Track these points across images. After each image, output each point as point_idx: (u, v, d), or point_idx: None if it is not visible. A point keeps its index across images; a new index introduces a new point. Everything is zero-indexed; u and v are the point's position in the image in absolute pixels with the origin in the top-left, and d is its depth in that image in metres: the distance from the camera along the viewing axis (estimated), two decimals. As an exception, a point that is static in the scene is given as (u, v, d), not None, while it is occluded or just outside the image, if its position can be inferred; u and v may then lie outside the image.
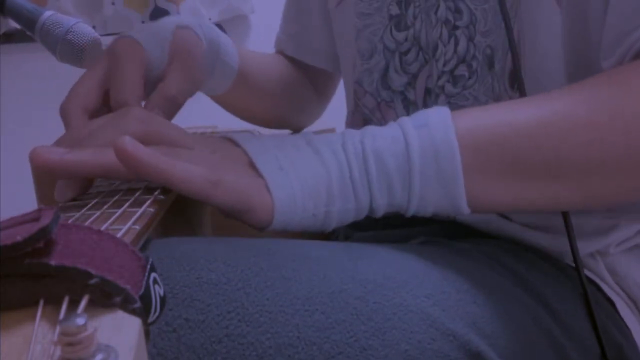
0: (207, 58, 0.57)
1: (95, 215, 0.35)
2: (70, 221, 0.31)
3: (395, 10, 0.60)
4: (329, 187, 0.40)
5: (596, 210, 0.53)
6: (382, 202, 0.42)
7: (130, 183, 0.42)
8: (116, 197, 0.39)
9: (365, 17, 0.63)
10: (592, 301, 0.49)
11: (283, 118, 0.81)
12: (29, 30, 0.76)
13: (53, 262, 0.22)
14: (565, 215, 0.47)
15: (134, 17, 1.82)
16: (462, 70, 0.55)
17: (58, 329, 0.19)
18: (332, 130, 0.94)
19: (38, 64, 1.47)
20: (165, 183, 0.37)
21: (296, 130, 0.84)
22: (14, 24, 1.63)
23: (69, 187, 0.41)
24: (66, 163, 0.37)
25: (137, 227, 0.33)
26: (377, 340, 0.34)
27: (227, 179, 0.38)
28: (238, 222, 0.39)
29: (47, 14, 0.74)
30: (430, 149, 0.41)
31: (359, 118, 0.66)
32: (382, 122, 0.64)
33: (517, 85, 0.50)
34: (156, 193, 0.40)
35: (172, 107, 0.51)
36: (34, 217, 0.25)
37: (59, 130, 0.50)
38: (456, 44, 0.55)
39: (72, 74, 0.55)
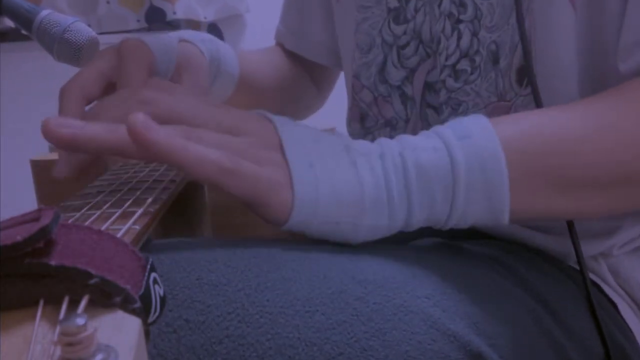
0: (208, 73, 0.57)
1: (95, 215, 0.35)
2: (70, 221, 0.31)
3: (394, 3, 0.60)
4: (360, 202, 0.38)
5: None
6: (422, 217, 0.40)
7: (130, 183, 0.42)
8: (116, 197, 0.39)
9: (364, 10, 0.63)
10: (594, 303, 0.48)
11: (280, 113, 0.81)
12: (25, 30, 0.75)
13: (53, 262, 0.22)
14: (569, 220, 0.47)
15: (129, 16, 1.82)
16: (464, 64, 0.55)
17: (58, 329, 0.19)
18: (332, 130, 0.94)
19: (36, 63, 1.47)
20: (176, 166, 0.35)
21: None
22: (9, 23, 1.63)
23: (70, 164, 0.40)
24: (77, 138, 0.36)
25: (137, 227, 0.33)
26: (377, 341, 0.34)
27: (245, 168, 0.36)
28: (238, 222, 0.38)
29: (44, 13, 0.74)
30: (476, 161, 0.40)
31: (356, 113, 0.66)
32: (379, 117, 0.64)
33: (526, 81, 0.50)
34: (157, 192, 0.39)
35: None
36: (34, 217, 0.25)
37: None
38: (459, 38, 0.55)
39: (70, 73, 0.55)
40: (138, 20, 1.82)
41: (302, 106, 0.84)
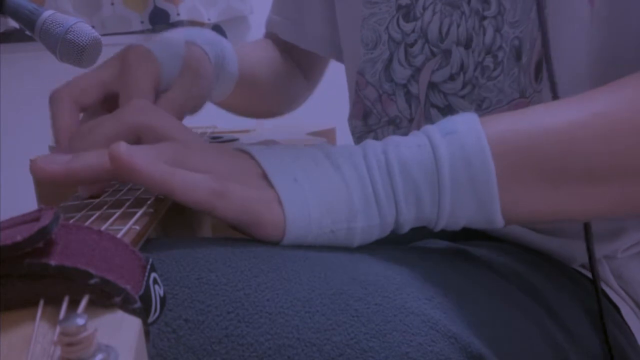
0: (212, 75, 0.57)
1: (95, 216, 0.35)
2: (70, 221, 0.31)
3: (405, 0, 0.60)
4: (350, 203, 0.38)
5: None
6: (409, 215, 0.40)
7: (130, 183, 0.42)
8: (116, 197, 0.39)
9: (371, 5, 0.62)
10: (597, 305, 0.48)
11: (274, 108, 0.82)
12: (28, 30, 0.76)
13: (53, 262, 0.22)
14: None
15: (132, 17, 1.82)
16: (487, 61, 0.54)
17: (58, 329, 0.19)
18: (332, 131, 0.94)
19: (37, 64, 1.47)
20: (164, 193, 0.35)
21: (285, 113, 0.85)
22: (13, 24, 1.63)
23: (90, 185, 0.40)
24: (71, 172, 0.36)
25: (137, 227, 0.33)
26: (377, 342, 0.34)
27: (233, 189, 0.36)
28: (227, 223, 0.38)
29: (47, 13, 0.74)
30: (460, 156, 0.39)
31: (359, 110, 0.66)
32: (383, 114, 0.63)
33: (540, 76, 0.49)
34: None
35: (175, 116, 0.51)
36: (34, 217, 0.25)
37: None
38: (484, 34, 0.54)
39: (72, 74, 0.55)
40: (142, 22, 1.82)
41: (292, 98, 0.84)
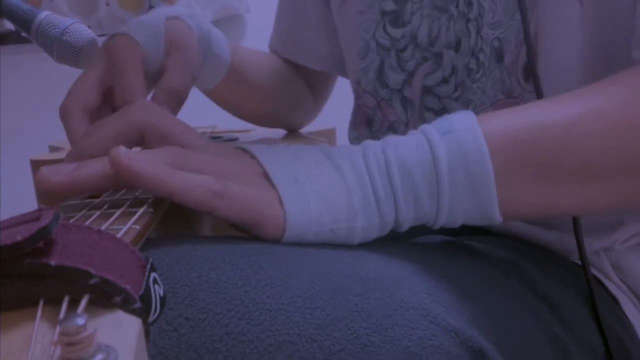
0: (199, 49, 0.56)
1: (95, 215, 0.35)
2: (70, 221, 0.31)
3: (390, 5, 0.60)
4: (349, 203, 0.39)
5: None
6: (409, 214, 0.40)
7: None
8: (116, 197, 0.39)
9: (360, 14, 0.62)
10: (596, 298, 0.48)
11: (277, 115, 0.80)
12: (24, 31, 0.75)
13: (53, 262, 0.22)
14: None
15: (128, 17, 1.82)
16: (472, 63, 0.54)
17: (58, 329, 0.19)
18: (332, 131, 0.94)
19: (36, 64, 1.47)
20: (164, 195, 0.36)
21: (291, 129, 0.84)
22: (9, 25, 1.63)
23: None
24: (75, 182, 0.36)
25: (137, 227, 0.33)
26: (378, 337, 0.34)
27: (234, 189, 0.36)
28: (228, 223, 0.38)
29: (43, 14, 0.74)
30: (458, 155, 0.39)
31: (362, 117, 0.66)
32: (384, 121, 0.64)
33: (532, 78, 0.50)
34: None
35: (177, 102, 0.51)
36: (34, 217, 0.25)
37: (59, 130, 0.50)
38: (469, 36, 0.54)
39: (70, 74, 0.55)
40: (137, 21, 1.82)
41: (297, 111, 0.83)
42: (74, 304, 0.22)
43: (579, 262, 0.54)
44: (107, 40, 0.51)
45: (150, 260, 0.26)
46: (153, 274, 0.26)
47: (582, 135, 0.40)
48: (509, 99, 0.53)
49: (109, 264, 0.24)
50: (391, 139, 0.41)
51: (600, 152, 0.40)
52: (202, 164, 0.38)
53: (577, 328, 0.47)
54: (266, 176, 0.39)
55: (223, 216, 0.37)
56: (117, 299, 0.22)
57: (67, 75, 0.50)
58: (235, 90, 0.70)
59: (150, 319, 0.24)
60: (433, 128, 0.41)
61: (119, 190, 0.41)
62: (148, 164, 0.34)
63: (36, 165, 0.72)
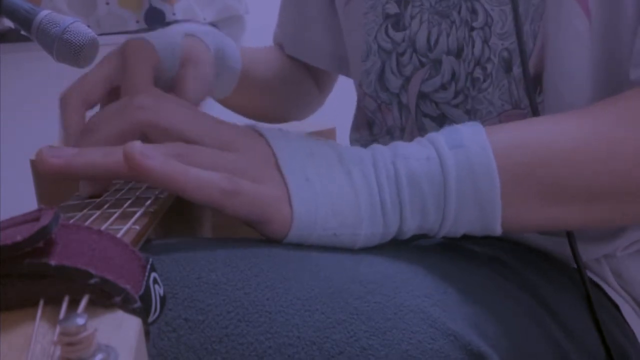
0: (214, 66, 0.57)
1: (95, 215, 0.35)
2: (70, 221, 0.31)
3: (393, 8, 0.60)
4: (356, 210, 0.39)
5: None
6: (413, 225, 0.40)
7: (130, 183, 0.42)
8: (116, 197, 0.39)
9: (363, 16, 0.62)
10: (596, 304, 0.48)
11: (282, 112, 0.81)
12: (25, 30, 0.75)
13: (53, 262, 0.22)
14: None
15: (128, 16, 1.82)
16: (477, 73, 0.54)
17: (58, 329, 0.19)
18: (332, 131, 0.94)
19: (36, 63, 1.47)
20: (176, 192, 0.35)
21: (295, 120, 0.84)
22: (8, 23, 1.63)
23: (91, 183, 0.40)
24: (73, 166, 0.36)
25: (137, 227, 0.33)
26: (377, 340, 0.34)
27: (245, 188, 0.36)
28: (238, 222, 0.38)
29: (43, 13, 0.74)
30: (467, 171, 0.40)
31: (363, 120, 0.66)
32: (383, 124, 0.63)
33: (539, 89, 0.49)
34: (157, 192, 0.39)
35: None
36: (34, 217, 0.25)
37: (59, 130, 0.50)
38: (473, 45, 0.54)
39: (71, 73, 0.55)
40: (137, 21, 1.82)
41: (302, 104, 0.83)
42: (74, 304, 0.22)
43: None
44: (124, 42, 0.51)
45: (150, 260, 0.26)
46: (153, 274, 0.26)
47: (590, 159, 0.41)
48: (516, 109, 0.53)
49: (109, 264, 0.24)
50: (401, 149, 0.41)
51: (604, 176, 0.41)
52: (214, 159, 0.37)
53: (578, 334, 0.47)
54: (277, 166, 0.39)
55: (231, 214, 0.37)
56: (117, 299, 0.22)
57: (68, 74, 0.50)
58: (244, 94, 0.70)
59: (150, 319, 0.24)
60: (443, 139, 0.41)
61: (119, 190, 0.41)
62: (161, 161, 0.34)
63: (36, 165, 0.72)
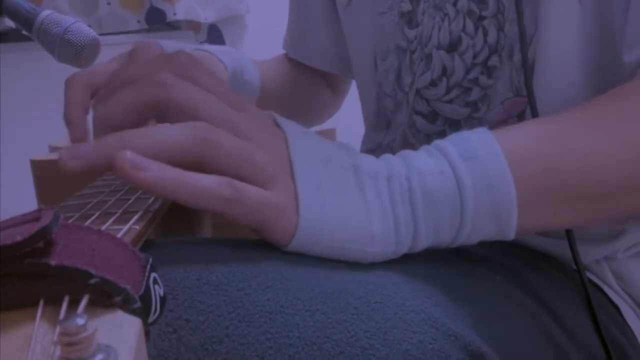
0: (231, 79, 0.57)
1: (95, 216, 0.35)
2: (70, 221, 0.31)
3: (407, 6, 0.59)
4: (367, 228, 0.38)
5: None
6: (427, 243, 0.40)
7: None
8: (116, 197, 0.39)
9: (380, 16, 0.62)
10: (596, 306, 0.48)
11: (299, 119, 0.81)
12: (26, 30, 0.75)
13: (53, 262, 0.22)
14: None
15: (129, 17, 1.82)
16: (494, 61, 0.53)
17: (58, 329, 0.19)
18: (332, 131, 0.94)
19: (36, 63, 1.47)
20: (172, 200, 0.34)
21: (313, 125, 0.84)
22: (10, 23, 1.63)
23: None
24: (93, 167, 0.34)
25: (137, 227, 0.33)
26: (377, 340, 0.34)
27: (247, 196, 0.35)
28: (239, 223, 0.38)
29: (45, 13, 0.74)
30: (484, 185, 0.39)
31: (382, 121, 0.65)
32: (398, 124, 0.63)
33: (525, 78, 0.49)
34: None
35: None
36: (34, 217, 0.25)
37: (59, 130, 0.50)
38: (485, 34, 0.53)
39: (71, 73, 0.54)
40: (138, 21, 1.82)
41: (314, 111, 0.83)
42: (74, 304, 0.22)
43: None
44: (134, 44, 0.50)
45: (151, 260, 0.26)
46: (153, 274, 0.26)
47: (604, 163, 0.41)
48: (518, 97, 0.52)
49: (109, 264, 0.24)
50: (414, 162, 0.40)
51: (620, 177, 0.41)
52: (228, 154, 0.35)
53: (578, 334, 0.47)
54: (290, 167, 0.37)
55: (233, 220, 0.35)
56: (117, 299, 0.22)
57: (68, 74, 0.50)
58: (261, 106, 0.70)
59: (151, 319, 0.24)
60: (453, 150, 0.40)
61: (119, 190, 0.41)
62: (155, 172, 0.33)
63: (36, 165, 0.72)
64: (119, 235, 0.31)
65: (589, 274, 0.53)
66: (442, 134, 0.57)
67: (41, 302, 0.22)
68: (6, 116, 1.64)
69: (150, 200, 0.38)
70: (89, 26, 0.74)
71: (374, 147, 0.67)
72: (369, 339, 0.34)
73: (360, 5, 0.64)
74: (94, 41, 0.73)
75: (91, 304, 0.22)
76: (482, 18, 0.53)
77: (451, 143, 0.41)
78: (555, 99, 0.50)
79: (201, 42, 1.85)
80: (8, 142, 1.62)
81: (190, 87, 0.38)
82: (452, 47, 0.55)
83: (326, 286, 0.35)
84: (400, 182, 0.39)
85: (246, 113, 0.39)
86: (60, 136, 0.70)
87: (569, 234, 0.47)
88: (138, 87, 0.38)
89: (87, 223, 0.33)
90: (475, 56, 0.54)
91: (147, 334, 0.23)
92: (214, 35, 1.87)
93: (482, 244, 0.51)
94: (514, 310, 0.44)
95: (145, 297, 0.24)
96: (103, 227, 0.32)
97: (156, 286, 0.25)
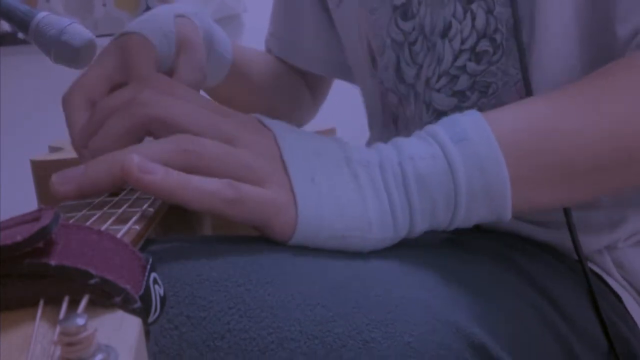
0: (205, 48, 0.56)
1: (95, 216, 0.35)
2: (70, 221, 0.31)
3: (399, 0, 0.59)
4: (364, 215, 0.38)
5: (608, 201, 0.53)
6: (423, 227, 0.40)
7: None
8: (117, 198, 0.39)
9: (373, 12, 0.62)
10: (598, 295, 0.48)
11: (275, 115, 0.80)
12: (22, 32, 0.75)
13: (53, 262, 0.22)
14: (566, 211, 0.47)
15: (125, 18, 1.82)
16: (484, 45, 0.53)
17: (58, 329, 0.19)
18: (332, 131, 0.94)
19: (35, 64, 1.47)
20: (177, 203, 0.35)
21: None
22: (5, 26, 1.63)
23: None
24: (84, 189, 0.36)
25: (137, 227, 0.33)
26: (379, 333, 0.34)
27: (247, 195, 0.35)
28: (238, 223, 0.38)
29: (41, 15, 0.74)
30: (475, 166, 0.39)
31: (388, 118, 0.65)
32: (404, 117, 0.62)
33: (520, 61, 0.49)
34: None
35: None
36: (34, 217, 0.25)
37: (59, 130, 0.50)
38: (473, 18, 0.53)
39: (70, 74, 0.55)
40: (135, 22, 1.82)
41: (297, 108, 0.82)
42: (74, 304, 0.22)
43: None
44: (118, 38, 0.50)
45: (151, 260, 0.26)
46: (153, 274, 0.26)
47: (596, 139, 0.41)
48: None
49: (109, 264, 0.24)
50: (405, 148, 0.40)
51: (611, 151, 0.41)
52: (217, 154, 0.36)
53: (580, 325, 0.47)
54: (283, 164, 0.38)
55: (233, 220, 0.36)
56: (117, 299, 0.22)
57: (67, 75, 0.50)
58: (235, 88, 0.69)
59: (151, 319, 0.24)
60: (444, 134, 0.40)
61: (119, 191, 0.41)
62: (162, 175, 0.34)
63: (36, 165, 0.72)
64: (119, 235, 0.31)
65: (590, 264, 0.53)
66: None
67: (41, 302, 0.22)
68: (6, 116, 1.64)
69: (150, 201, 0.38)
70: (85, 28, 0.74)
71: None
72: (370, 331, 0.34)
73: (351, 4, 0.64)
74: (90, 43, 0.73)
75: (91, 304, 0.22)
76: (470, 2, 0.53)
77: (442, 127, 0.41)
78: (553, 81, 0.50)
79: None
80: (8, 142, 1.62)
81: (171, 101, 0.39)
82: (445, 33, 0.54)
83: (327, 280, 0.35)
84: (393, 168, 0.39)
85: (230, 118, 0.40)
86: (60, 136, 0.70)
87: (569, 223, 0.47)
88: (123, 114, 0.39)
89: (87, 223, 0.33)
90: (463, 42, 0.54)
91: (147, 333, 0.23)
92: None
93: (483, 236, 0.51)
94: (515, 302, 0.44)
95: (145, 297, 0.24)
96: (103, 227, 0.32)
97: (156, 286, 0.25)
